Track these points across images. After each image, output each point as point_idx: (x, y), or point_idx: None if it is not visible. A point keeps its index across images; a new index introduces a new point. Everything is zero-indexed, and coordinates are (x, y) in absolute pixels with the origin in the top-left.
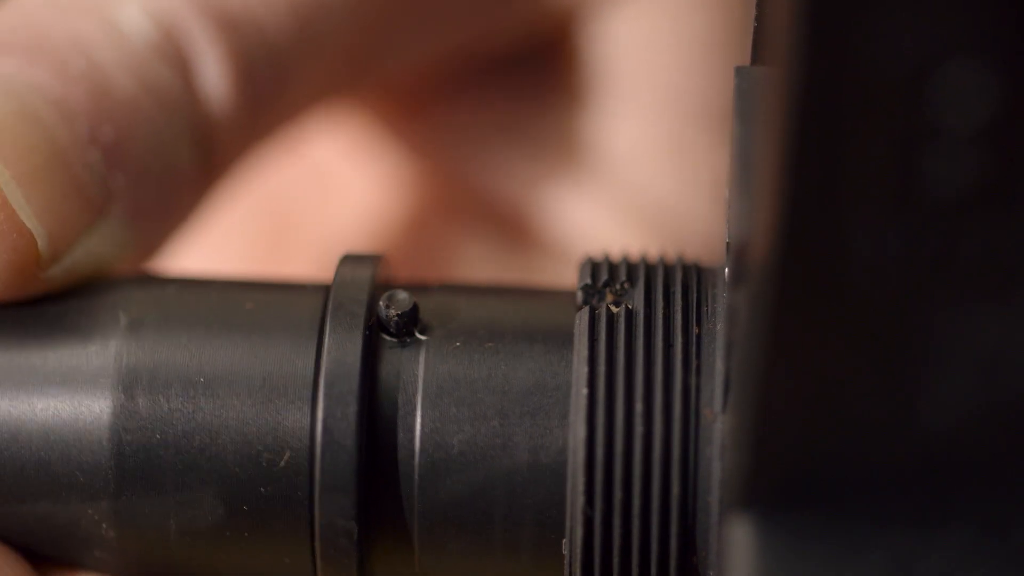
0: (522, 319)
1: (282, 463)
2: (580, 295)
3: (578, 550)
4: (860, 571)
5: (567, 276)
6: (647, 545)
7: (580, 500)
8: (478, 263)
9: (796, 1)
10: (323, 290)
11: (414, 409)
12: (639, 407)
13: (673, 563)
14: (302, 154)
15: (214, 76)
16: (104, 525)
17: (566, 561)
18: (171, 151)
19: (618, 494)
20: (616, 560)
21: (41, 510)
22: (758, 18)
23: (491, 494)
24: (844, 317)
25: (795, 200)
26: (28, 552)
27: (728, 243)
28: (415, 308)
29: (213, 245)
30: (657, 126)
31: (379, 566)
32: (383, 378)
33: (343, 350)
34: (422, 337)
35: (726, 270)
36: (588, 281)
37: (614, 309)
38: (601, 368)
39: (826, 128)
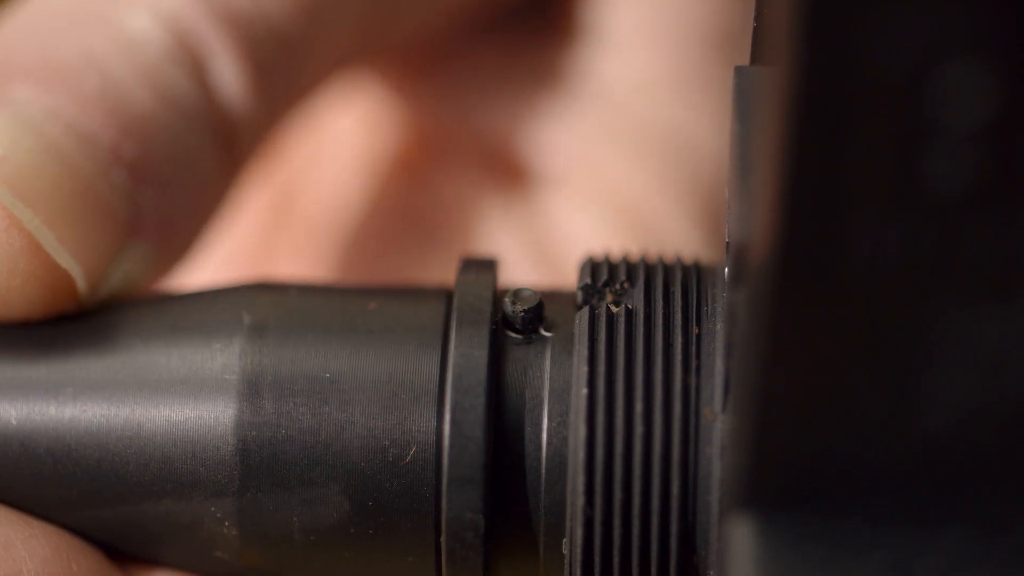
0: None
1: (408, 458)
2: (580, 295)
3: (578, 550)
4: (860, 571)
5: (576, 216)
6: (647, 545)
7: (580, 500)
8: (484, 205)
9: (796, 1)
10: (445, 291)
11: (541, 403)
12: (639, 407)
13: (673, 563)
14: (309, 123)
15: (229, 75)
16: (227, 523)
17: (566, 561)
18: (194, 157)
19: (618, 494)
20: (616, 560)
21: (164, 508)
22: (758, 18)
23: None
24: (844, 317)
25: (795, 199)
26: (146, 552)
27: (728, 243)
28: (540, 304)
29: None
30: (663, 56)
31: (504, 561)
32: (509, 373)
33: (470, 344)
34: (547, 334)
35: (726, 270)
36: (588, 281)
37: (614, 309)
38: (601, 368)
39: (826, 127)
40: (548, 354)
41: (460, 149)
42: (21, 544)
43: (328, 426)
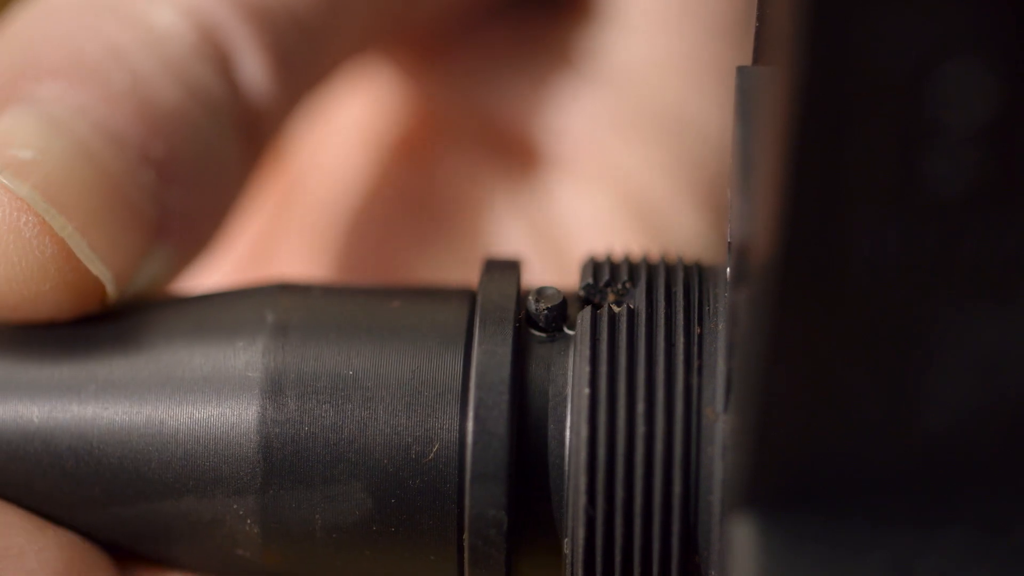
0: None
1: (431, 455)
2: (582, 294)
3: (580, 550)
4: (860, 571)
5: (583, 201)
6: (649, 544)
7: (582, 499)
8: (491, 189)
9: (798, 1)
10: (468, 290)
11: (564, 401)
12: (641, 407)
13: (675, 562)
14: (320, 110)
15: (253, 68)
16: (249, 521)
17: (568, 561)
18: (218, 153)
19: (620, 493)
20: (618, 559)
21: (186, 506)
22: (759, 18)
23: None
24: (845, 317)
25: (796, 199)
26: (167, 550)
27: (729, 243)
28: (564, 303)
29: None
30: (674, 40)
31: (526, 559)
32: (533, 371)
33: (494, 342)
34: (570, 332)
35: (727, 270)
36: (590, 280)
37: (616, 309)
38: (603, 368)
39: (827, 127)
40: (571, 352)
41: (469, 132)
42: (34, 555)
43: (351, 423)
